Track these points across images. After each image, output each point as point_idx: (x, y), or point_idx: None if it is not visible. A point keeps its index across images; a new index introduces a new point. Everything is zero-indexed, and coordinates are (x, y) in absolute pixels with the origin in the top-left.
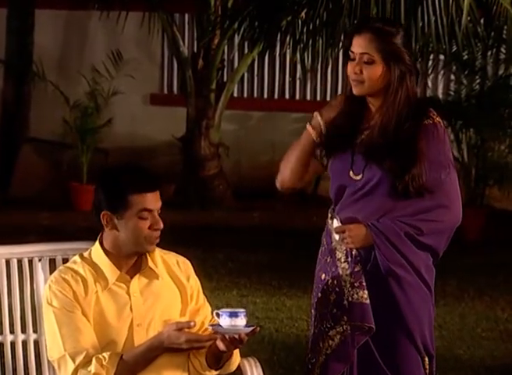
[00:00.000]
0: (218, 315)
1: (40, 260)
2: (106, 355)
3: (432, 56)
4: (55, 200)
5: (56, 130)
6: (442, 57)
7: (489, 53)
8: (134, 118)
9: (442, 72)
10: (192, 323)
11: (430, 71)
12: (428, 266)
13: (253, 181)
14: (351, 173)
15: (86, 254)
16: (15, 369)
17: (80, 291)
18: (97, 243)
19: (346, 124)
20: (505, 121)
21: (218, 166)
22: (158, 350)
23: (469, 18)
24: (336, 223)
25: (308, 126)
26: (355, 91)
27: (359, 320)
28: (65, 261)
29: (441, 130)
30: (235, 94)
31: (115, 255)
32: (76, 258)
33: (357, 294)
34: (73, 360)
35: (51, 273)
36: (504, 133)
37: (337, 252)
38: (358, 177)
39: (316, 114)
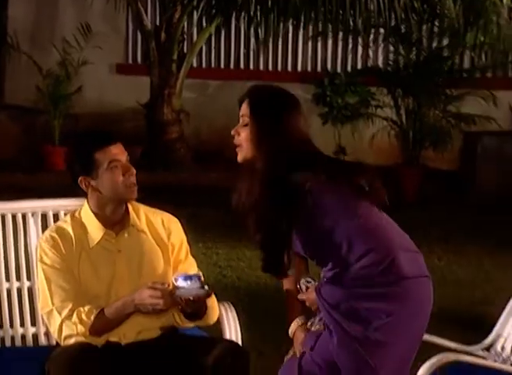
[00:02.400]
0: (175, 280)
1: (32, 215)
2: (86, 308)
3: (373, 30)
4: (29, 162)
5: (30, 98)
6: (382, 31)
7: (424, 27)
8: (102, 86)
9: (382, 44)
10: (166, 285)
11: (372, 43)
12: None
13: (211, 145)
14: None
15: (76, 213)
16: (11, 314)
17: (67, 249)
18: (85, 203)
19: None
20: (439, 88)
21: (180, 131)
22: (130, 307)
23: None
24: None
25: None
26: None
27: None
28: (55, 216)
29: None
30: (194, 65)
31: (100, 215)
32: (67, 217)
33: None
34: (60, 314)
35: (42, 227)
36: (439, 99)
37: None
38: None
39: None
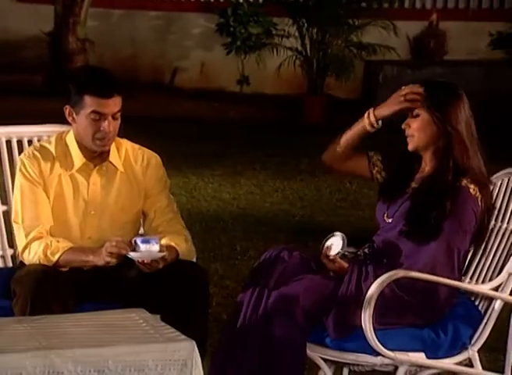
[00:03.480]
0: (134, 242)
1: None
2: (54, 244)
3: None
4: None
5: None
6: None
7: None
8: (2, 14)
9: None
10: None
11: None
12: None
13: (115, 74)
14: (385, 215)
15: (63, 135)
16: None
17: (46, 170)
18: (72, 129)
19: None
20: (342, 19)
21: (85, 60)
22: (89, 256)
23: None
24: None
25: (366, 115)
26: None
27: None
28: (19, 142)
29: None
30: None
31: (81, 144)
32: (53, 138)
33: None
34: (27, 235)
35: (8, 153)
36: (342, 29)
37: None
38: (389, 220)
39: (371, 110)
